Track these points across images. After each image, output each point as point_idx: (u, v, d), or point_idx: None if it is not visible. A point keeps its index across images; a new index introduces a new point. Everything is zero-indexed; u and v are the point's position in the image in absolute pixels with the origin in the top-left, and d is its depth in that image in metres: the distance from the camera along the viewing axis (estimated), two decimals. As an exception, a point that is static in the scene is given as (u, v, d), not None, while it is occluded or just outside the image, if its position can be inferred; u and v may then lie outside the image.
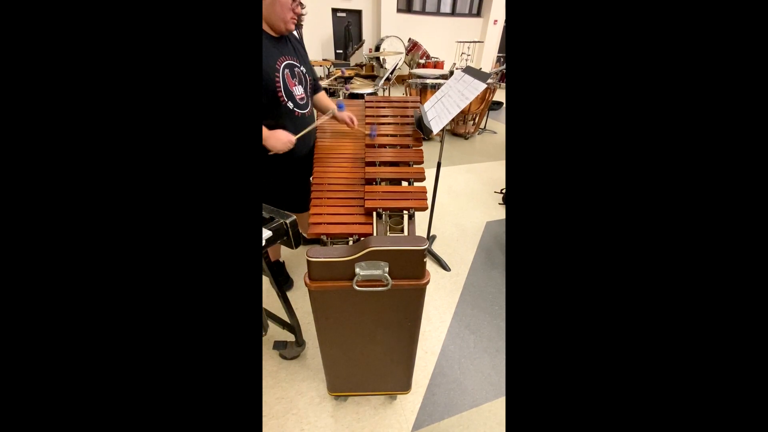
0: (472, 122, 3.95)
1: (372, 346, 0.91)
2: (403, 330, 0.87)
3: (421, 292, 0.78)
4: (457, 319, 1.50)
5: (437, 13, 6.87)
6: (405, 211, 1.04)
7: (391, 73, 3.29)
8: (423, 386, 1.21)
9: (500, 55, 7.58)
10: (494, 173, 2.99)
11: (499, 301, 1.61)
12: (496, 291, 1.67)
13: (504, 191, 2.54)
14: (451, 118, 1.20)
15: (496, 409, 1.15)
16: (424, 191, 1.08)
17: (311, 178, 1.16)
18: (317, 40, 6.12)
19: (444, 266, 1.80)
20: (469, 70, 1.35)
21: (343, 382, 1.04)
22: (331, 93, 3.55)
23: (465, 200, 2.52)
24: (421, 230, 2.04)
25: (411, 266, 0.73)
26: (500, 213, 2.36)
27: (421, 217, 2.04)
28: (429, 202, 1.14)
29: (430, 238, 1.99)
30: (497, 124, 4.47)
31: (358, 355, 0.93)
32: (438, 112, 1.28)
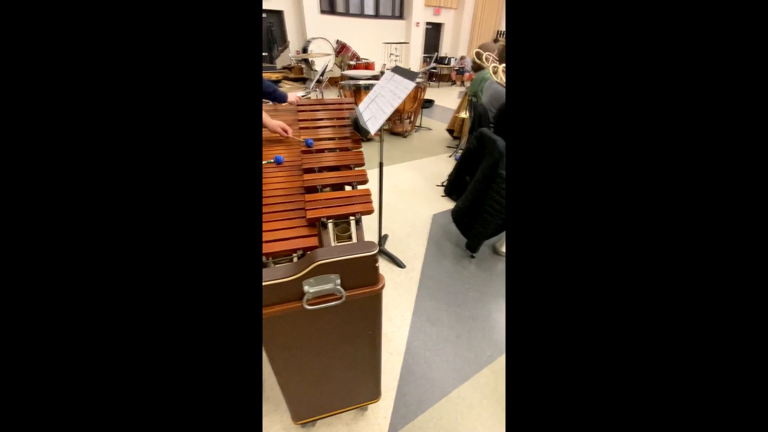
0: (408, 121, 4.08)
1: (334, 363, 0.85)
2: (364, 340, 0.83)
3: (377, 298, 0.76)
4: (417, 314, 1.52)
5: (361, 14, 6.93)
6: (351, 217, 1.01)
7: (322, 75, 3.21)
8: (393, 389, 1.19)
9: (426, 55, 7.99)
10: (434, 167, 3.13)
11: (454, 289, 1.68)
12: (449, 279, 1.74)
13: (444, 184, 2.67)
14: (386, 118, 1.20)
15: (464, 393, 1.19)
16: (368, 194, 1.06)
17: None
18: (237, 42, 5.66)
19: (399, 264, 1.81)
20: (398, 70, 1.37)
21: (309, 408, 0.96)
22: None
23: (411, 196, 2.58)
24: (372, 232, 2.03)
25: (364, 273, 0.70)
26: (444, 205, 2.48)
27: (371, 219, 2.03)
28: (375, 203, 1.12)
29: (383, 238, 1.99)
30: (431, 121, 4.71)
31: (320, 376, 0.87)
32: (373, 113, 1.27)
